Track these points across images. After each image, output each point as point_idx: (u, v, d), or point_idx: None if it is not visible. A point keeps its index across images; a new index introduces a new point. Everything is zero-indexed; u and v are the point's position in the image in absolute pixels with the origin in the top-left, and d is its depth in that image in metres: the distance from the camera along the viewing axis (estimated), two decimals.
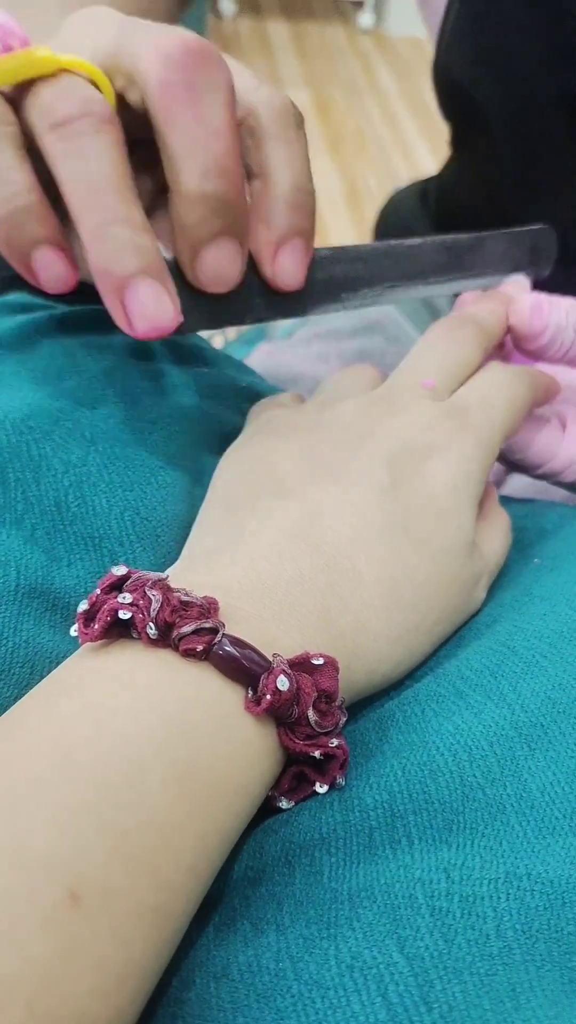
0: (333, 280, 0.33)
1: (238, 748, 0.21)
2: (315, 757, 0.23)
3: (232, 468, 0.31)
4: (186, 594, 0.22)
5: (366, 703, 0.27)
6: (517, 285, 0.40)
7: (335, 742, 0.23)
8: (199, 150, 0.26)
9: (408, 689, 0.27)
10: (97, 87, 0.28)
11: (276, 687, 0.21)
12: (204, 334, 0.88)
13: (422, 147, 2.24)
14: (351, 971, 0.19)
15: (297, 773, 0.24)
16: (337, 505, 0.27)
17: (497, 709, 0.24)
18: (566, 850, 0.21)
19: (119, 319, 0.27)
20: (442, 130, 0.61)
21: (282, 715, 0.22)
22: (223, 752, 0.21)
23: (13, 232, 0.28)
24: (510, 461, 0.37)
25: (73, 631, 0.23)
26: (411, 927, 0.20)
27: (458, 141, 0.60)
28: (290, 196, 0.29)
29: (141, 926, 0.18)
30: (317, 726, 0.23)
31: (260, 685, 0.22)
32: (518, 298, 0.36)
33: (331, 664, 0.23)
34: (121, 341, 0.39)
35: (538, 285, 0.41)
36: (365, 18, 2.85)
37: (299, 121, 0.30)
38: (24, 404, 0.32)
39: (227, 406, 0.37)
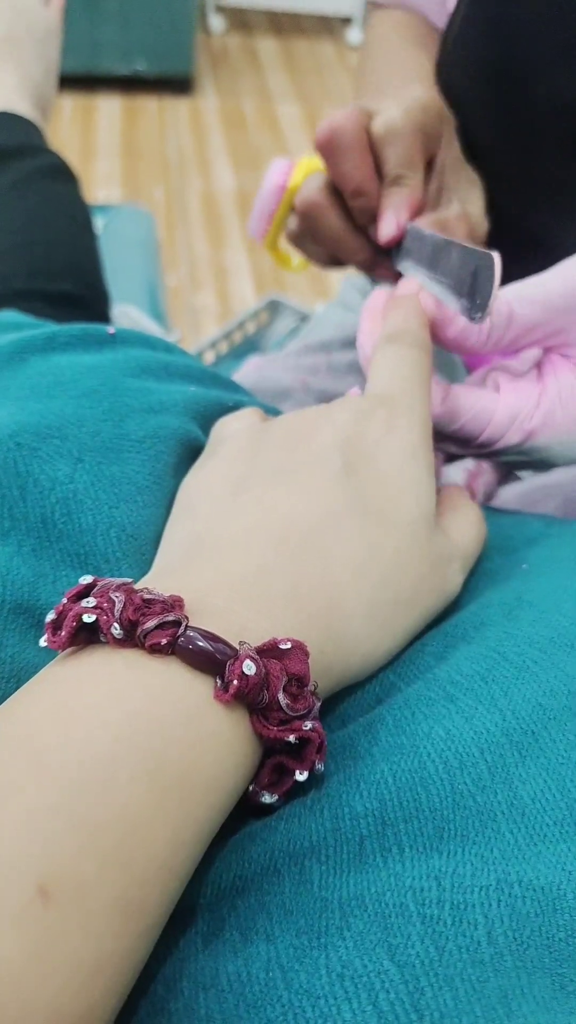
0: (404, 247, 0.44)
1: (209, 739, 0.21)
2: (291, 743, 0.23)
3: (191, 483, 0.32)
4: (149, 592, 0.23)
5: (356, 708, 0.27)
6: (410, 285, 0.39)
7: (309, 725, 0.23)
8: None
9: (398, 694, 0.27)
10: None
11: (242, 672, 0.21)
12: (194, 349, 0.89)
13: None
14: (341, 980, 0.19)
15: (276, 764, 0.23)
16: (296, 495, 0.28)
17: (488, 715, 0.24)
18: (557, 857, 0.21)
19: None
20: None
21: (252, 701, 0.22)
22: (194, 743, 0.21)
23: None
24: (452, 435, 0.36)
25: (43, 642, 0.23)
26: (402, 935, 0.20)
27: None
28: (387, 184, 0.45)
29: (113, 921, 0.18)
30: (289, 709, 0.22)
31: (226, 672, 0.21)
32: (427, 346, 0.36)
33: (299, 648, 0.23)
34: (109, 360, 0.39)
35: None
36: (354, 34, 2.88)
37: (405, 126, 0.44)
38: (12, 420, 0.32)
39: (213, 427, 0.37)
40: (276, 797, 0.23)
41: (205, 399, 0.37)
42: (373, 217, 0.45)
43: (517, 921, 0.20)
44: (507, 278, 0.37)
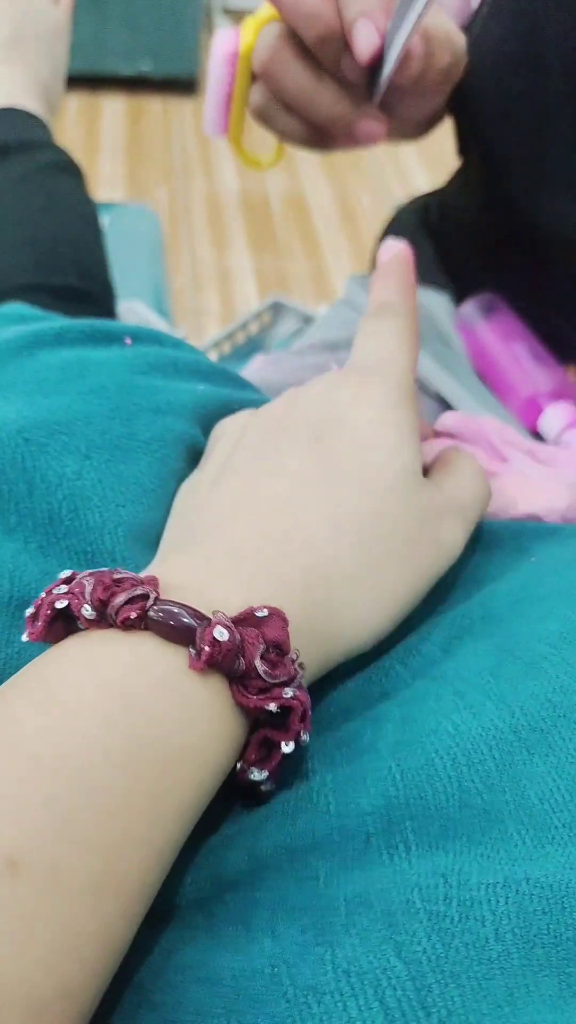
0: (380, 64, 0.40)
1: (187, 710, 0.21)
2: (274, 713, 0.23)
3: (186, 487, 0.32)
4: (119, 572, 0.23)
5: (362, 701, 0.27)
6: (395, 246, 0.37)
7: (291, 692, 0.23)
8: None
9: (406, 689, 0.27)
10: None
11: (214, 638, 0.21)
12: (201, 347, 0.89)
13: (416, 165, 2.26)
14: (347, 976, 0.19)
15: (263, 739, 0.23)
16: (271, 471, 0.28)
17: (497, 711, 0.24)
18: (566, 858, 0.21)
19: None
20: (436, 149, 0.62)
21: (227, 668, 0.22)
22: (171, 716, 0.21)
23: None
24: None
25: (24, 636, 0.23)
26: (408, 932, 0.20)
27: (466, 150, 0.61)
28: None
29: (88, 900, 0.18)
30: (267, 676, 0.22)
31: (198, 639, 0.21)
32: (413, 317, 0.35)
33: (276, 614, 0.23)
34: (118, 357, 0.39)
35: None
36: None
37: None
38: (19, 415, 0.32)
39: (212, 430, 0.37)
40: (266, 774, 0.23)
41: (213, 400, 0.37)
42: (339, 49, 0.39)
43: (524, 919, 0.20)
44: (523, 277, 0.35)
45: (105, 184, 2.12)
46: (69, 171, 0.67)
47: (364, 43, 0.38)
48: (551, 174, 0.51)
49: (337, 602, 0.26)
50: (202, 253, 2.02)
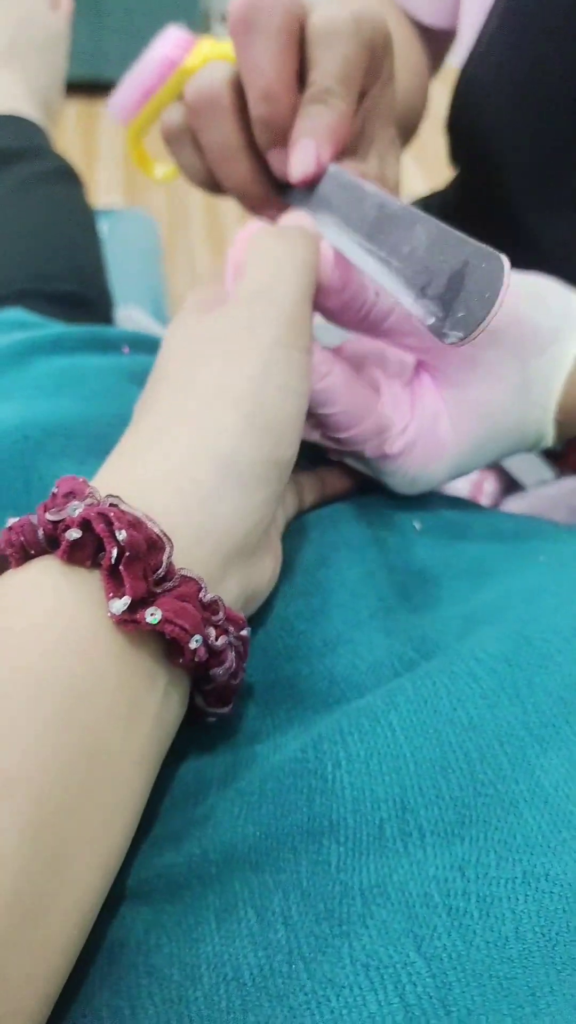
0: (319, 193, 0.33)
1: (58, 599, 0.21)
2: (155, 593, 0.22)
3: None
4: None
5: (373, 678, 0.27)
6: (299, 218, 0.33)
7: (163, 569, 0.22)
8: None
9: (419, 667, 0.27)
10: None
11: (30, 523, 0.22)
12: None
13: (412, 169, 2.27)
14: (367, 970, 0.19)
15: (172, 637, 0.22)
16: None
17: (511, 706, 0.24)
18: None
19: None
20: (432, 153, 0.62)
21: (76, 558, 0.22)
22: (35, 605, 0.21)
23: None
24: (320, 420, 0.32)
25: None
26: (428, 926, 0.20)
27: (461, 156, 0.61)
28: (308, 99, 0.33)
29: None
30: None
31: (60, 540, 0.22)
32: (317, 239, 0.31)
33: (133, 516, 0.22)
34: (116, 364, 0.39)
35: None
36: None
37: (354, 33, 0.32)
38: (18, 416, 0.32)
39: None
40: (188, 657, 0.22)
41: None
42: (277, 138, 0.34)
43: (545, 917, 0.20)
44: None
45: (103, 190, 2.13)
46: (68, 178, 0.67)
47: (297, 167, 0.33)
48: (560, 191, 0.51)
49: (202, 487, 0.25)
50: (200, 260, 2.02)
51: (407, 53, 0.58)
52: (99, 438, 0.32)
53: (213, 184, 0.38)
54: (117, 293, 0.65)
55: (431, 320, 0.26)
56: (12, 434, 0.31)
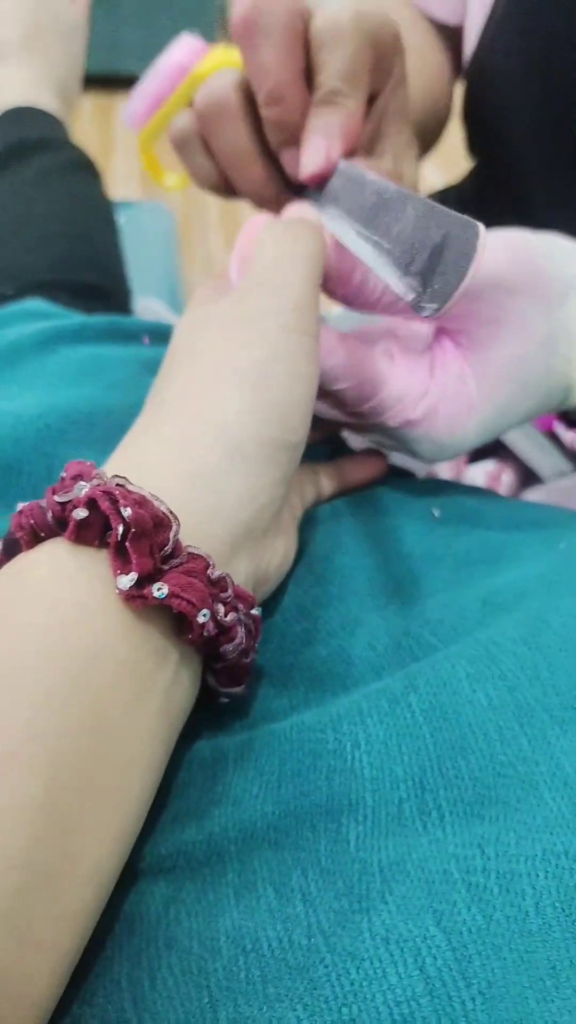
0: (328, 189, 0.34)
1: (65, 582, 0.21)
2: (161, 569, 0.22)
3: None
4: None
5: (391, 661, 0.27)
6: (304, 209, 0.33)
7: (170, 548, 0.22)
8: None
9: (438, 652, 0.27)
10: None
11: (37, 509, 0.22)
12: None
13: (430, 163, 2.26)
14: (386, 943, 0.19)
15: (179, 614, 0.22)
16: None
17: (531, 687, 0.24)
18: None
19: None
20: (449, 148, 0.62)
21: (83, 537, 0.22)
22: (49, 589, 0.21)
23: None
24: (337, 397, 0.32)
25: None
26: (447, 902, 0.20)
27: (478, 147, 0.60)
28: (316, 102, 0.33)
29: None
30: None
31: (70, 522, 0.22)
32: (322, 230, 0.31)
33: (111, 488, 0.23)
34: (136, 354, 0.39)
35: None
36: None
37: (356, 30, 0.32)
38: (40, 404, 0.33)
39: None
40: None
41: None
42: (289, 138, 0.34)
43: (565, 893, 0.20)
44: None
45: (120, 183, 2.13)
46: (86, 170, 0.67)
47: (308, 165, 0.33)
48: (568, 177, 0.51)
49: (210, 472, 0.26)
50: (216, 252, 2.02)
51: (426, 54, 0.57)
52: (119, 428, 0.33)
53: (224, 188, 0.38)
54: (134, 284, 0.65)
55: (411, 296, 0.26)
56: (35, 422, 0.32)
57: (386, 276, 0.28)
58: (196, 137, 0.37)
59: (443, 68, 0.60)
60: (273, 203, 0.37)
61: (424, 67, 0.55)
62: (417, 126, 0.43)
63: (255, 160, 0.36)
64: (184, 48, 0.39)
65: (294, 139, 0.34)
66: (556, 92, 0.49)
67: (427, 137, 0.57)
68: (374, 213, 0.30)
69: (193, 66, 0.38)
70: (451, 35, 0.60)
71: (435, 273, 0.26)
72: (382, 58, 0.34)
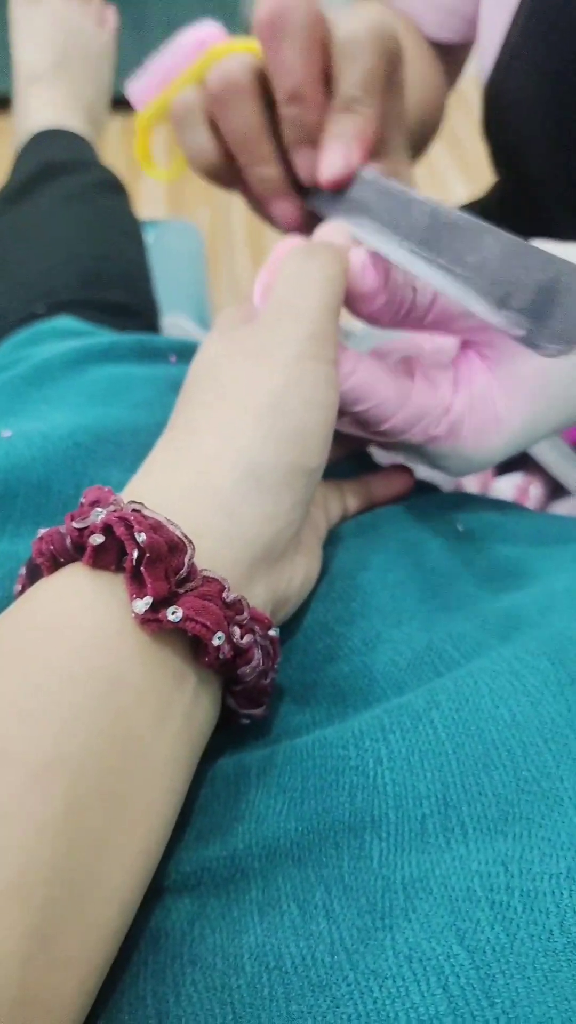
0: (352, 198, 0.34)
1: (84, 608, 0.22)
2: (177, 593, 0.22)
3: None
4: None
5: (413, 676, 0.27)
6: (336, 230, 0.33)
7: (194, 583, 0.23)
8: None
9: (460, 668, 0.27)
10: None
11: (92, 545, 0.22)
12: None
13: (454, 179, 2.26)
14: (409, 961, 0.19)
15: (193, 637, 0.22)
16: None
17: (554, 703, 0.24)
18: None
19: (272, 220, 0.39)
20: (474, 162, 0.62)
21: (101, 562, 0.22)
22: (66, 606, 0.22)
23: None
24: (359, 418, 0.32)
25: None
26: (470, 920, 0.20)
27: (499, 164, 0.61)
28: (335, 108, 0.34)
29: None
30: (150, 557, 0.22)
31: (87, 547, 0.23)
32: (346, 252, 0.31)
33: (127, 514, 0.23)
34: (162, 374, 0.40)
35: None
36: None
37: (375, 45, 0.34)
38: (70, 422, 0.33)
39: None
40: (215, 654, 0.23)
41: None
42: (305, 137, 0.35)
43: None
44: None
45: (147, 203, 2.16)
46: (114, 189, 0.68)
47: (328, 169, 0.34)
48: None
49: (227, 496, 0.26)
50: (242, 272, 2.04)
51: (419, 67, 0.57)
52: (146, 447, 0.33)
53: (219, 172, 0.38)
54: (162, 301, 0.66)
55: (520, 332, 0.27)
56: (64, 440, 0.32)
57: (468, 303, 0.28)
58: (201, 113, 0.37)
59: (435, 80, 0.60)
60: (277, 189, 0.37)
61: (417, 79, 0.55)
62: (410, 135, 0.44)
63: (266, 139, 0.36)
64: (205, 28, 0.39)
65: (310, 139, 0.35)
66: (574, 113, 0.49)
67: (417, 146, 0.58)
68: (434, 234, 0.30)
69: (213, 42, 0.38)
70: (444, 51, 0.60)
71: (551, 316, 0.26)
72: (393, 68, 0.35)
